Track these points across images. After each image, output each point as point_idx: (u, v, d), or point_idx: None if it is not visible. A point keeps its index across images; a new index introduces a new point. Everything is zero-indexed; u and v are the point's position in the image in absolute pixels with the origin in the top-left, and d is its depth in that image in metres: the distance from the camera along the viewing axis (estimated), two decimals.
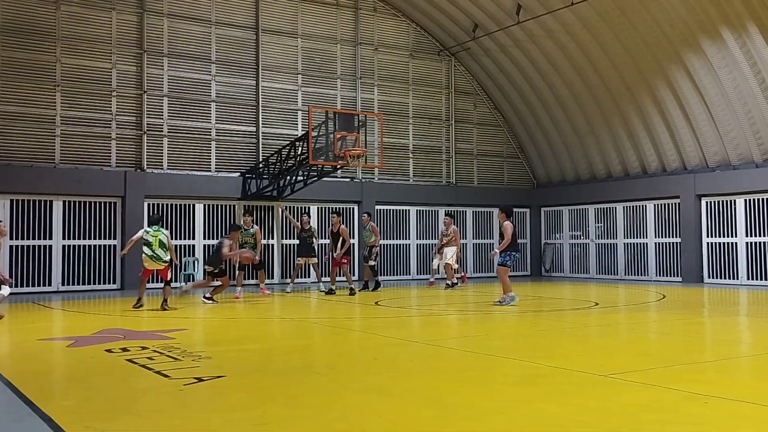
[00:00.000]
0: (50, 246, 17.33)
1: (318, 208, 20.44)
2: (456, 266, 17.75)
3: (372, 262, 16.74)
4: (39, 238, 17.21)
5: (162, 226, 12.69)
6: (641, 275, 21.16)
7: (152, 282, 14.74)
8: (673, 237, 20.50)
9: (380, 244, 17.09)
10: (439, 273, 18.61)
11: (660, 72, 19.29)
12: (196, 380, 5.95)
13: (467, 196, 23.38)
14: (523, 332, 9.57)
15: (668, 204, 20.57)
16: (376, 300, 14.25)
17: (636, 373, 6.19)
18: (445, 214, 18.52)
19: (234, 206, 19.56)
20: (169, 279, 12.61)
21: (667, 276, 20.54)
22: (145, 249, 12.42)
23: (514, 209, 24.14)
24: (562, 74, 21.51)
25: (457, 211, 23.14)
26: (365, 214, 17.27)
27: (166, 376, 6.16)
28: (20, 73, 17.29)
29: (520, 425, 4.58)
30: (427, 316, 12.23)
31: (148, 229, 12.55)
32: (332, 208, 20.80)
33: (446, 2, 21.45)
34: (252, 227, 15.28)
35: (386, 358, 7.39)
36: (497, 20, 21.01)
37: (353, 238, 20.83)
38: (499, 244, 12.95)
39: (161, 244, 12.35)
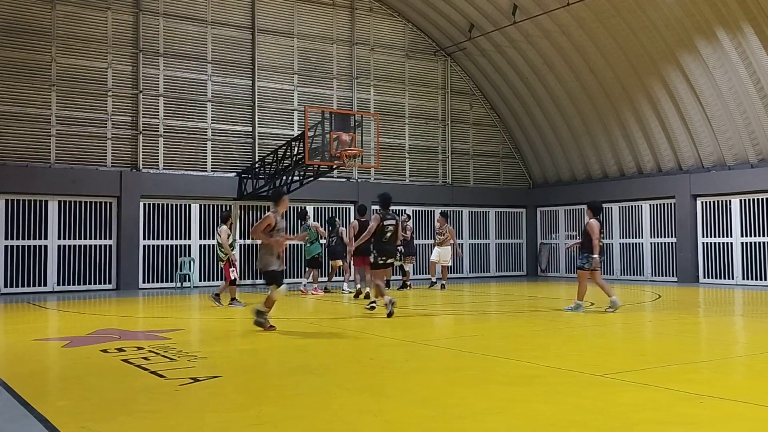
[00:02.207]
0: (46, 246, 17.30)
1: (314, 208, 20.43)
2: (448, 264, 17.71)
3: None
4: (34, 238, 17.18)
5: (224, 224, 13.04)
6: (637, 275, 21.20)
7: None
8: (668, 237, 20.54)
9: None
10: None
11: (655, 72, 19.33)
12: (191, 380, 5.94)
13: (463, 196, 23.39)
14: (519, 332, 9.57)
15: (664, 204, 20.61)
16: (372, 300, 14.22)
17: (631, 373, 6.20)
18: (440, 214, 18.47)
19: (230, 206, 19.53)
20: (232, 278, 12.78)
21: (662, 276, 20.57)
22: None
23: (511, 209, 24.46)
24: (557, 74, 21.54)
25: (452, 211, 23.15)
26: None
27: (161, 376, 6.15)
28: (16, 73, 17.25)
29: (515, 425, 4.58)
30: (423, 316, 12.23)
31: None
32: (329, 208, 20.82)
33: (442, 2, 21.46)
34: (308, 221, 16.03)
35: (382, 358, 7.39)
36: (493, 20, 21.02)
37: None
38: (581, 244, 11.68)
39: (218, 244, 12.92)
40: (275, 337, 9.64)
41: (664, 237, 20.66)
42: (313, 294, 15.74)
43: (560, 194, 23.67)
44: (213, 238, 19.14)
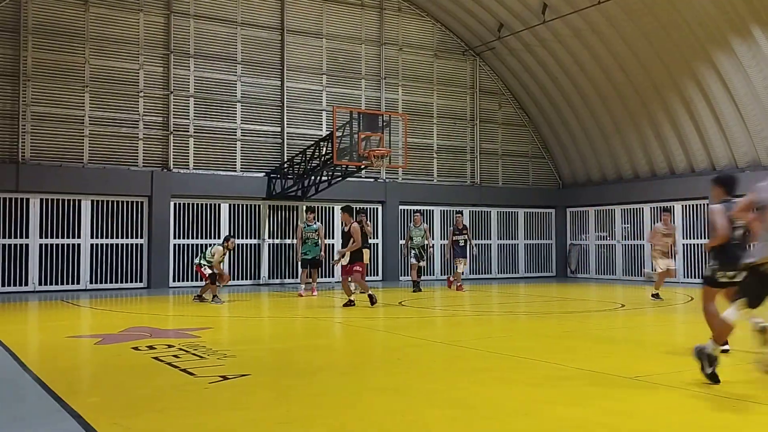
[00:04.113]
0: (79, 245, 17.59)
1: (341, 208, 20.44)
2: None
3: (423, 263, 16.84)
4: (68, 237, 17.47)
5: (223, 245, 14.24)
6: (669, 276, 20.83)
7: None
8: (701, 238, 20.20)
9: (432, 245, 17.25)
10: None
11: (688, 71, 19.03)
12: (220, 378, 6.00)
13: (492, 196, 23.27)
14: (548, 333, 9.49)
15: (697, 205, 20.28)
16: (401, 300, 14.23)
17: (662, 375, 6.12)
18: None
19: (259, 206, 19.68)
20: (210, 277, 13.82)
21: (695, 278, 20.24)
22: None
23: (540, 209, 24.26)
24: (588, 74, 21.32)
25: (481, 211, 23.07)
26: (417, 214, 17.11)
27: (191, 374, 6.22)
28: (50, 75, 17.56)
29: (542, 427, 4.55)
30: (451, 316, 12.19)
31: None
32: (356, 208, 20.82)
33: (471, 2, 21.37)
34: (315, 223, 15.76)
35: (409, 358, 7.38)
36: (523, 19, 20.89)
37: (376, 238, 20.89)
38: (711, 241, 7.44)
39: (210, 256, 13.94)
40: (303, 336, 9.68)
41: (698, 238, 20.33)
42: (308, 294, 15.27)
43: (590, 195, 23.42)
44: (248, 238, 19.28)
